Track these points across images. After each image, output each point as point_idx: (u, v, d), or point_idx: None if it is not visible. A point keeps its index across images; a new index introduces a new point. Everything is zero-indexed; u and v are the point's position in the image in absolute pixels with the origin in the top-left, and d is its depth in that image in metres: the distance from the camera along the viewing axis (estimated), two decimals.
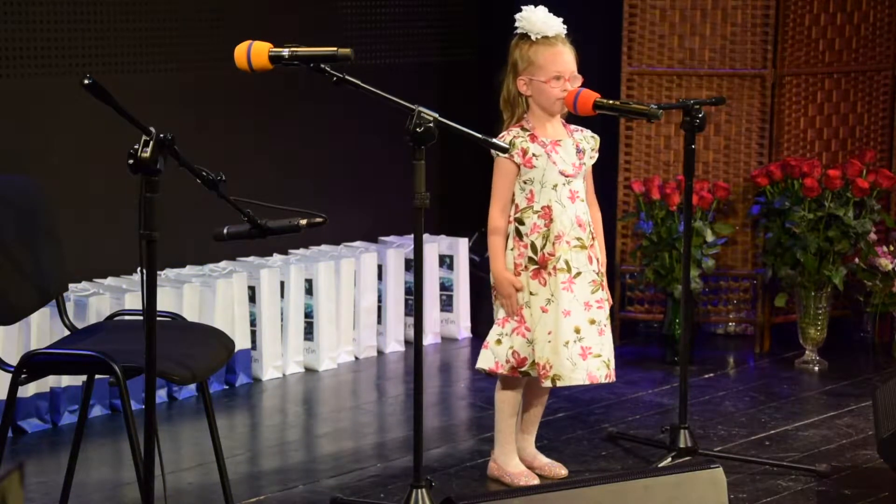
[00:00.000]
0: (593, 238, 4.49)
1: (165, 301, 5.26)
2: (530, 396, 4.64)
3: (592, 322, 4.43)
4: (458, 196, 6.51)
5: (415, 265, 3.86)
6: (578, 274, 4.42)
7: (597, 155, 4.55)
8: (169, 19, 5.69)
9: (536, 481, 4.53)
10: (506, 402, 4.57)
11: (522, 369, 4.46)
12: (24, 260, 3.91)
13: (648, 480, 3.05)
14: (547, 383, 4.42)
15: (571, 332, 4.39)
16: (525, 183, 4.43)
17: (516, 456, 4.60)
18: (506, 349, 4.45)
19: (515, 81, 4.44)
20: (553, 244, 4.40)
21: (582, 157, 4.49)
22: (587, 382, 4.43)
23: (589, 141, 4.53)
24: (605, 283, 4.52)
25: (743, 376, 5.85)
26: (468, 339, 6.38)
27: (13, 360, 3.79)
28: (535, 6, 4.46)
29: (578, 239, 4.43)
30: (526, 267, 4.43)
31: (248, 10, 5.91)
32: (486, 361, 4.49)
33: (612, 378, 4.47)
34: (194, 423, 5.18)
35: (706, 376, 5.82)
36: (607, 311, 4.48)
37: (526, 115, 4.47)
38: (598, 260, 4.49)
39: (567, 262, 4.41)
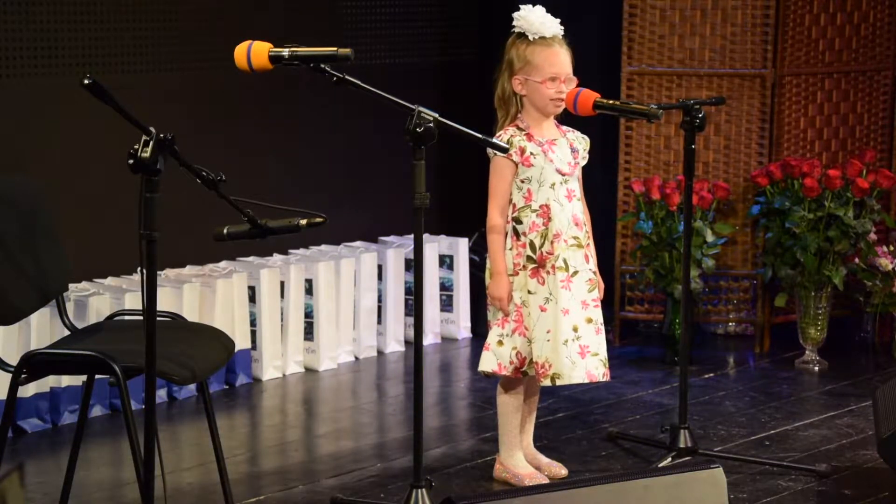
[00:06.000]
0: (588, 237, 4.49)
1: (165, 301, 5.26)
2: (524, 396, 4.63)
3: (589, 321, 4.43)
4: (458, 196, 6.51)
5: (415, 265, 3.86)
6: (576, 273, 4.43)
7: (587, 156, 4.55)
8: (169, 19, 5.69)
9: (545, 482, 4.51)
10: (508, 403, 4.56)
11: (523, 369, 4.46)
12: (24, 260, 3.91)
13: (648, 480, 3.05)
14: (546, 382, 4.42)
15: (570, 330, 4.39)
16: (522, 182, 4.43)
17: (522, 457, 4.60)
18: (508, 350, 4.45)
19: (511, 80, 4.44)
20: (552, 243, 4.40)
21: (576, 156, 4.49)
22: (586, 381, 4.43)
23: (581, 142, 4.53)
24: (599, 280, 4.53)
25: (743, 376, 5.85)
26: (468, 339, 6.38)
27: (13, 360, 3.79)
28: (534, 6, 4.45)
29: (575, 238, 4.43)
30: (524, 266, 4.43)
31: (248, 10, 5.91)
32: (488, 364, 4.48)
33: (608, 377, 4.48)
34: (194, 423, 5.18)
35: (706, 376, 5.82)
36: (601, 310, 4.48)
37: (520, 115, 4.47)
38: (593, 259, 4.49)
39: (565, 261, 4.41)
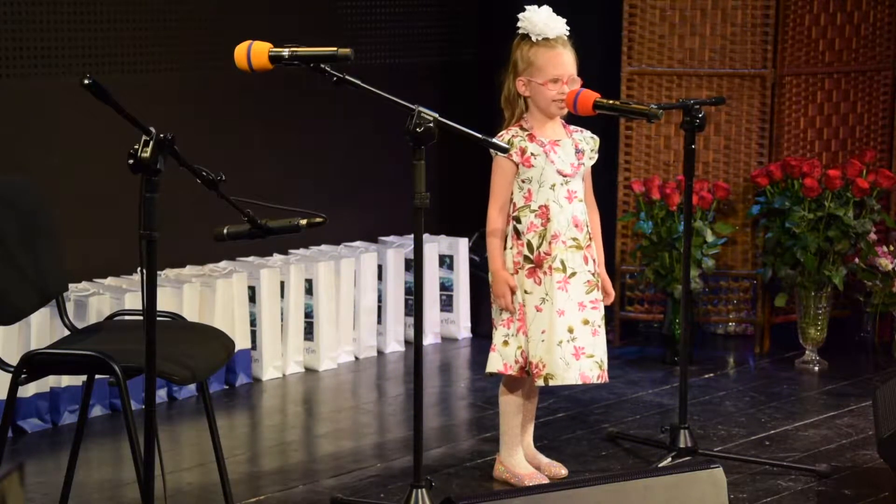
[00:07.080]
0: (590, 239, 4.49)
1: (165, 301, 5.26)
2: (525, 396, 4.63)
3: (586, 322, 4.43)
4: (458, 196, 6.51)
5: (415, 265, 3.86)
6: (573, 274, 4.42)
7: (596, 156, 4.55)
8: (169, 19, 5.69)
9: (545, 482, 4.51)
10: (510, 403, 4.57)
11: (526, 368, 4.45)
12: (24, 260, 3.91)
13: (648, 480, 3.04)
14: (539, 382, 4.42)
15: (565, 331, 4.39)
16: (523, 182, 4.43)
17: (523, 457, 4.60)
18: (514, 350, 4.45)
19: (515, 81, 4.44)
20: (549, 243, 4.41)
21: (581, 157, 4.49)
22: (579, 382, 4.43)
23: (588, 142, 4.53)
24: (607, 282, 4.52)
25: (743, 376, 5.85)
26: (468, 339, 6.38)
27: (13, 360, 3.79)
28: (539, 7, 4.45)
29: (574, 239, 4.43)
30: (522, 265, 4.43)
31: (248, 10, 5.91)
32: (494, 364, 4.48)
33: (605, 379, 4.47)
34: (194, 423, 5.18)
35: (706, 376, 5.81)
36: (602, 312, 4.48)
37: (525, 115, 4.47)
38: (594, 261, 4.48)
39: (563, 262, 4.41)
